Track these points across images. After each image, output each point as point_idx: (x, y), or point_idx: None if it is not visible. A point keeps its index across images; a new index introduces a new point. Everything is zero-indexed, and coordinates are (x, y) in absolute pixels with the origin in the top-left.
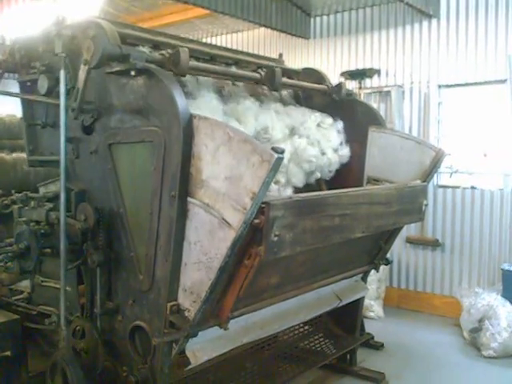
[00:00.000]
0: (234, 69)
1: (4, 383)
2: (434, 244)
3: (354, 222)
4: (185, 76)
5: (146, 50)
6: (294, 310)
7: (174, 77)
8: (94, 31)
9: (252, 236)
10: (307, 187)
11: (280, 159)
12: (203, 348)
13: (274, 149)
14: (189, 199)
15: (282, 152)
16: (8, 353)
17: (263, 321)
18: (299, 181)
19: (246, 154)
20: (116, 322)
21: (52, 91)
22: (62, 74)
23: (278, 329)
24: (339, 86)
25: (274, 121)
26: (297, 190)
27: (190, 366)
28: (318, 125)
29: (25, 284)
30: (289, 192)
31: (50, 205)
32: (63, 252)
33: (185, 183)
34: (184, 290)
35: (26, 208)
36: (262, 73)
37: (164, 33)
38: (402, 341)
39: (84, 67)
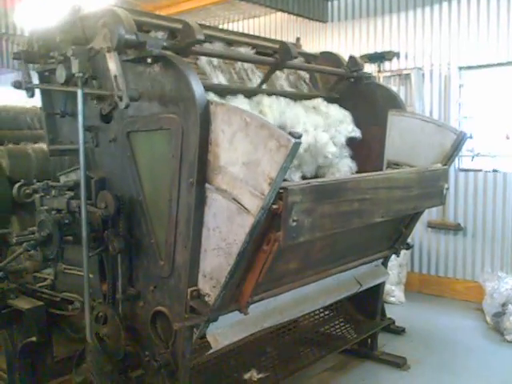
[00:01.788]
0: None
1: (30, 368)
2: (456, 228)
3: (374, 206)
4: (203, 42)
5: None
6: (314, 295)
7: (190, 64)
8: (109, 19)
9: (270, 221)
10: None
11: (297, 144)
12: (224, 332)
13: (291, 134)
14: (207, 185)
15: (300, 137)
16: (33, 338)
17: (283, 306)
18: (309, 171)
19: (263, 140)
20: (138, 308)
21: (70, 80)
22: (79, 93)
23: (297, 314)
24: (352, 58)
25: (300, 116)
26: None
27: (211, 351)
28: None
29: (48, 271)
30: (297, 176)
31: (71, 193)
32: (85, 239)
33: (203, 170)
34: (204, 276)
35: (48, 197)
36: (277, 56)
37: (180, 20)
38: (423, 326)
39: (110, 54)
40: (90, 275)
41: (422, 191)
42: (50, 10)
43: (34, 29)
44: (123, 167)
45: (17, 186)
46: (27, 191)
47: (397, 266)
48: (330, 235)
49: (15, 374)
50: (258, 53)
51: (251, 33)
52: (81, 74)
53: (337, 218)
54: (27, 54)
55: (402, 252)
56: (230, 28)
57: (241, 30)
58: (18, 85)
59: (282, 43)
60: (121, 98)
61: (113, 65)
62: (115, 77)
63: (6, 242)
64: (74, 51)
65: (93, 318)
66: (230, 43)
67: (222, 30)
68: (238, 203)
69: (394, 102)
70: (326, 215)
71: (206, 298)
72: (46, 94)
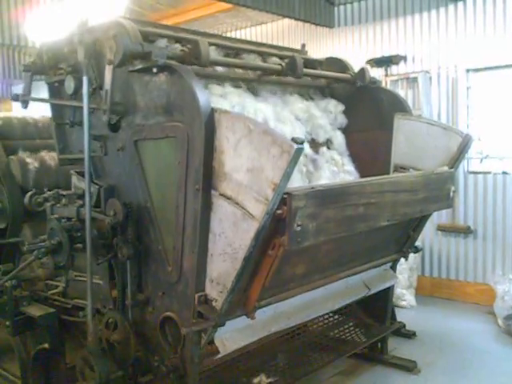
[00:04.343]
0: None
1: (43, 374)
2: (466, 231)
3: (379, 210)
4: (207, 67)
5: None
6: (322, 299)
7: (194, 72)
8: (115, 30)
9: (275, 226)
10: None
11: (300, 150)
12: (232, 337)
13: (293, 139)
14: (212, 192)
15: (302, 142)
16: (46, 345)
17: (291, 310)
18: None
19: (267, 146)
20: (147, 314)
21: (78, 91)
22: (84, 79)
23: (305, 318)
24: (362, 71)
25: None
26: None
27: (219, 355)
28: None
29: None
30: None
31: (81, 201)
32: (89, 246)
33: (208, 176)
34: (211, 281)
35: (58, 205)
36: (283, 64)
37: (186, 29)
38: (434, 329)
39: (109, 67)
40: (100, 282)
41: (429, 194)
42: (59, 21)
43: (43, 41)
44: (131, 175)
45: (28, 194)
46: (38, 200)
47: (407, 269)
48: (336, 239)
49: (29, 380)
50: (263, 60)
51: (258, 40)
52: (86, 61)
53: (342, 222)
54: (37, 66)
55: (412, 256)
56: (238, 35)
57: (248, 37)
58: (15, 97)
59: (291, 59)
60: (104, 111)
61: (108, 79)
62: (106, 91)
63: (19, 250)
64: (80, 38)
65: (103, 325)
66: (236, 51)
67: (228, 38)
68: (243, 209)
69: (399, 106)
70: (331, 220)
71: (214, 303)
72: (55, 105)
